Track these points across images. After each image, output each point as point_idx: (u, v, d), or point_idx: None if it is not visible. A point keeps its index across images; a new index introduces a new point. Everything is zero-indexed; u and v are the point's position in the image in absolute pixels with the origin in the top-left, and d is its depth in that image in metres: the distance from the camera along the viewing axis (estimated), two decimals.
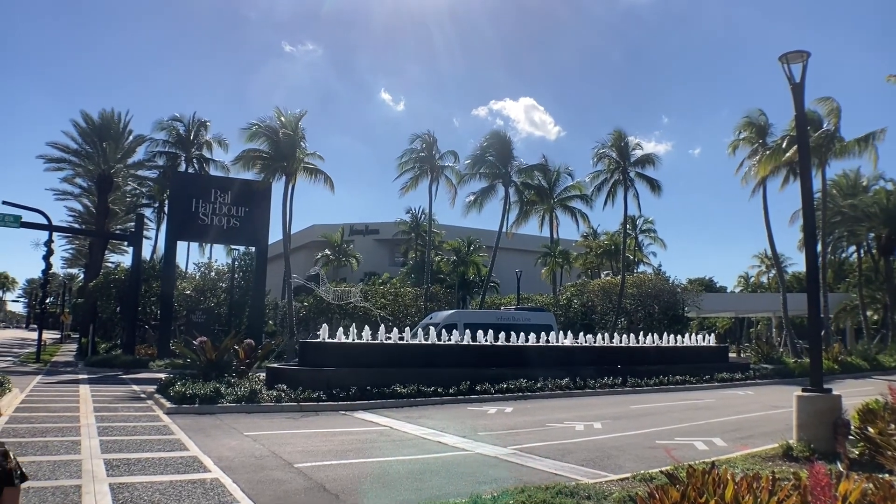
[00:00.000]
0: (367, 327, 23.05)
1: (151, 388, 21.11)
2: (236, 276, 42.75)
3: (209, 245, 63.27)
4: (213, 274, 47.60)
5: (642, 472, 10.32)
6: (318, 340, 21.39)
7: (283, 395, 18.39)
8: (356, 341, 22.09)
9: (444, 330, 25.90)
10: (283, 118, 40.89)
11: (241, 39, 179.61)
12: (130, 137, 50.77)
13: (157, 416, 16.26)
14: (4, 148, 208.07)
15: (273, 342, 30.24)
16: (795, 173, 44.82)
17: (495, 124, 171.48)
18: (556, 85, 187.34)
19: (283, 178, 40.79)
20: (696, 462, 11.15)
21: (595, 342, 29.33)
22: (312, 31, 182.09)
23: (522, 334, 26.76)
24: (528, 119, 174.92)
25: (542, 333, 27.65)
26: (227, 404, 17.37)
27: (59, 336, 79.02)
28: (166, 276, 38.90)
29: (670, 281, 56.33)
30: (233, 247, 43.49)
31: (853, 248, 63.02)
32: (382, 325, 25.02)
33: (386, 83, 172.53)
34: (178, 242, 42.06)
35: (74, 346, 56.09)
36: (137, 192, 55.43)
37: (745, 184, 46.69)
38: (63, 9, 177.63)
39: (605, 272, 71.96)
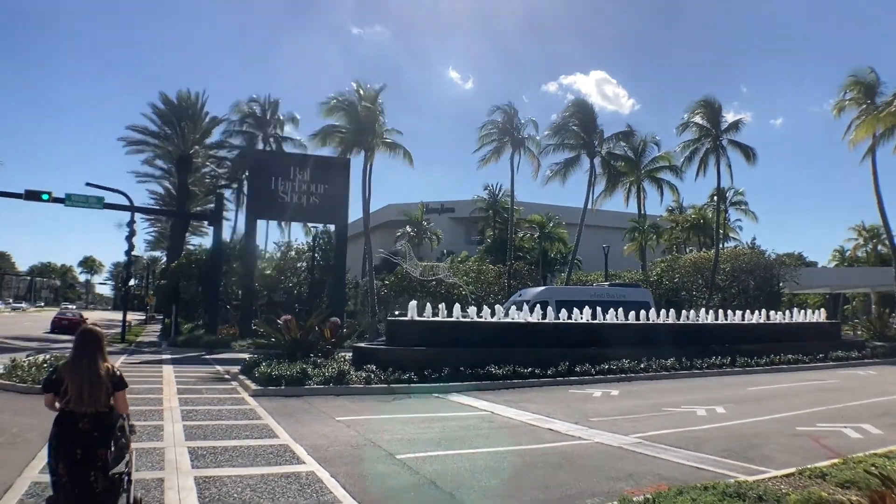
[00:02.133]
0: (457, 305, 21.64)
1: (235, 369, 20.30)
2: (316, 254, 42.08)
3: (288, 224, 63.24)
4: (292, 253, 47.15)
5: (809, 466, 8.66)
6: (406, 318, 20.14)
7: (372, 375, 17.22)
8: (447, 319, 20.76)
9: (535, 307, 24.31)
10: (361, 91, 39.74)
11: (308, 24, 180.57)
12: (207, 118, 50.73)
13: (243, 399, 15.28)
14: (89, 134, 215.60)
15: (356, 321, 29.25)
16: None
17: (566, 99, 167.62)
18: (628, 57, 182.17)
19: (362, 153, 39.72)
20: (864, 453, 9.49)
21: (697, 319, 27.25)
22: (380, 14, 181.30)
23: (618, 311, 24.97)
24: (600, 93, 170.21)
25: (639, 311, 25.82)
26: (315, 386, 16.30)
27: (143, 317, 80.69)
28: (247, 255, 38.45)
29: (766, 255, 52.97)
30: (312, 225, 42.76)
31: None
32: (473, 303, 23.60)
33: (454, 62, 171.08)
34: (258, 221, 41.66)
35: (158, 328, 56.83)
36: (216, 173, 55.38)
37: (854, 147, 43.12)
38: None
39: (689, 248, 68.86)
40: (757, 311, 30.17)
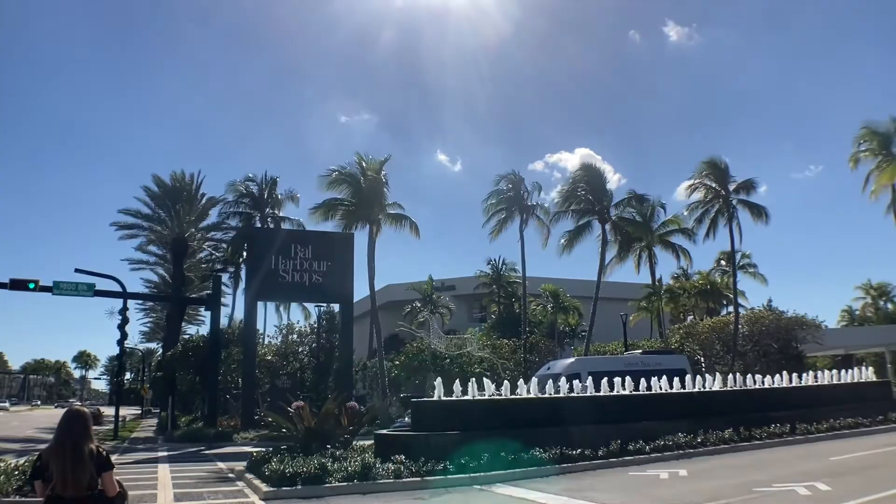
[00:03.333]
0: (487, 381, 19.23)
1: (240, 466, 17.73)
2: (322, 336, 39.73)
3: (287, 307, 60.96)
4: (294, 336, 44.69)
5: None
6: (433, 399, 17.71)
7: (401, 468, 14.72)
8: (480, 397, 18.38)
9: (566, 380, 21.95)
10: (364, 163, 38.16)
11: (297, 113, 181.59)
12: (203, 199, 48.90)
13: None
14: (80, 226, 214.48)
15: (375, 405, 26.75)
16: None
17: (553, 177, 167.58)
18: (609, 133, 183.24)
19: (367, 227, 37.84)
20: None
21: (745, 385, 24.86)
22: (367, 102, 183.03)
23: (659, 380, 22.64)
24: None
25: (676, 378, 23.51)
26: (337, 484, 13.80)
27: (139, 411, 77.46)
28: (247, 340, 36.09)
29: (787, 316, 50.77)
30: (316, 304, 40.53)
31: None
32: (494, 381, 21.18)
33: (441, 146, 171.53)
34: (258, 303, 39.46)
35: (155, 422, 53.85)
36: (212, 257, 53.45)
37: (875, 198, 41.54)
38: (127, 81, 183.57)
39: (696, 315, 66.80)
40: (796, 374, 27.86)
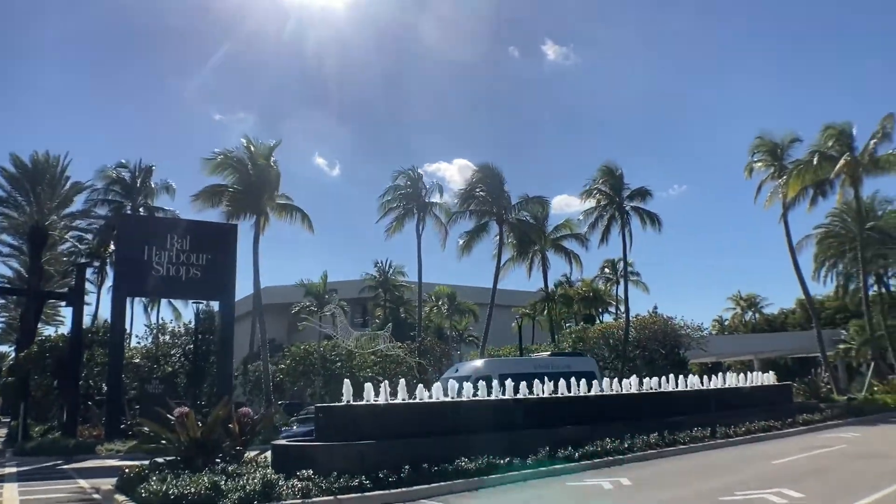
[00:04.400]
0: (402, 384, 17.02)
1: (108, 484, 14.72)
2: (199, 336, 36.21)
3: (156, 305, 56.33)
4: (166, 337, 40.71)
5: None
6: (345, 404, 15.29)
7: (310, 485, 12.33)
8: (396, 401, 16.19)
9: (476, 383, 20.17)
10: (253, 147, 34.93)
11: (169, 109, 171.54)
12: (68, 185, 43.75)
13: None
14: None
15: (273, 412, 24.00)
16: (824, 192, 40.97)
17: (430, 186, 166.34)
18: (487, 146, 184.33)
19: (254, 218, 34.66)
20: None
21: (660, 388, 23.90)
22: (242, 100, 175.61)
23: (567, 382, 21.32)
24: (464, 179, 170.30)
25: (587, 381, 22.31)
26: None
27: None
28: (114, 340, 32.10)
29: (675, 322, 51.35)
30: (194, 302, 36.86)
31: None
32: (420, 382, 19.07)
33: (320, 149, 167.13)
34: (126, 302, 35.56)
35: (4, 432, 48.02)
36: (76, 250, 48.17)
37: (770, 206, 42.41)
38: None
39: (567, 323, 67.26)
40: (707, 377, 27.34)
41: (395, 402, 16.01)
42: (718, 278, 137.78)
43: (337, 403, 16.37)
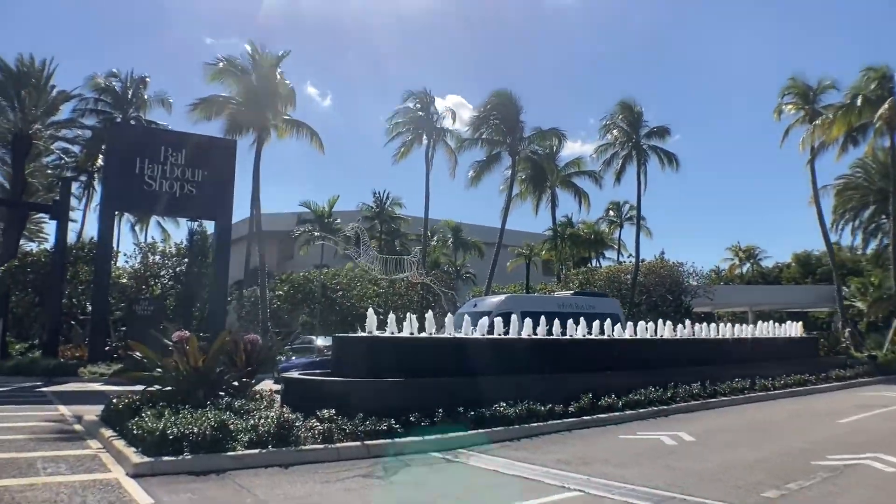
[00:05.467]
0: (410, 318, 15.09)
1: (91, 414, 12.84)
2: (195, 257, 34.07)
3: (144, 227, 53.89)
4: (156, 257, 38.51)
5: None
6: (369, 335, 13.37)
7: (333, 428, 10.46)
8: (429, 335, 14.31)
9: (498, 319, 18.36)
10: (257, 56, 32.09)
11: (160, 30, 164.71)
12: (54, 92, 40.87)
13: (117, 483, 8.17)
14: None
15: (281, 339, 22.07)
16: (855, 141, 38.86)
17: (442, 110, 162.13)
18: (482, 83, 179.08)
19: (254, 135, 32.12)
20: None
21: (694, 334, 22.24)
22: (235, 25, 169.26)
23: (591, 324, 19.61)
24: (458, 118, 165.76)
25: (610, 323, 20.62)
26: (244, 452, 9.38)
27: None
28: (101, 255, 29.89)
29: (684, 269, 49.79)
30: (189, 219, 34.64)
31: None
32: (443, 312, 17.19)
33: (312, 78, 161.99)
34: (116, 218, 33.34)
35: None
36: (62, 162, 45.56)
37: (804, 150, 40.16)
38: None
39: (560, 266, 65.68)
40: (738, 325, 25.67)
41: (423, 335, 14.12)
42: (714, 227, 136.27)
43: (358, 334, 14.49)
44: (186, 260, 36.16)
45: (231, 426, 9.77)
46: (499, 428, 12.05)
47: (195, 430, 9.25)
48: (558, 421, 13.14)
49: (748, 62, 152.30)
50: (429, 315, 14.80)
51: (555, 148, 46.42)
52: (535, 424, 12.67)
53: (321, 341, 27.29)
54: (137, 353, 12.85)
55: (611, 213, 74.41)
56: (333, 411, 10.89)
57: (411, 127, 39.36)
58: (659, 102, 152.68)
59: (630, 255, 66.47)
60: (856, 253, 62.24)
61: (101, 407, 12.52)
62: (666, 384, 16.76)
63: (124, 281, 36.94)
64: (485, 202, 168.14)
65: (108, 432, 10.72)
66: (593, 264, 62.14)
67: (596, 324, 18.59)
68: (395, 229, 65.70)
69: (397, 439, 10.71)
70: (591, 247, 69.04)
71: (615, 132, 45.51)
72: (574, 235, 56.98)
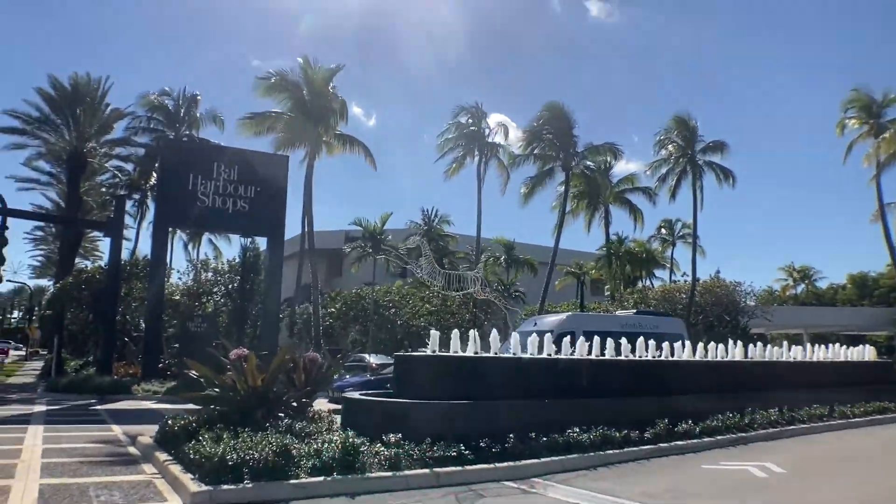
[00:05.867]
0: (492, 335, 14.49)
1: (146, 435, 12.39)
2: (241, 275, 33.91)
3: (197, 244, 54.30)
4: (209, 274, 38.55)
5: None
6: (435, 354, 12.71)
7: (400, 453, 9.80)
8: (498, 355, 13.64)
9: (559, 339, 17.55)
10: (310, 70, 31.90)
11: (206, 53, 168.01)
12: (108, 111, 41.42)
13: None
14: None
15: (339, 357, 21.55)
16: None
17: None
18: (524, 101, 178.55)
19: (307, 150, 31.87)
20: None
21: (765, 357, 21.05)
22: (281, 47, 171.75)
23: (654, 345, 18.69)
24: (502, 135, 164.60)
25: (677, 344, 19.64)
26: (307, 479, 8.78)
27: (24, 352, 69.31)
28: (155, 273, 29.89)
29: (741, 289, 48.20)
30: (241, 236, 34.58)
31: None
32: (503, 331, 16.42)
33: (357, 99, 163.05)
34: (170, 232, 33.34)
35: (40, 365, 46.86)
36: (116, 180, 46.13)
37: (868, 165, 38.64)
38: None
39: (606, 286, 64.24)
40: (800, 348, 24.39)
41: (490, 355, 13.41)
42: (764, 247, 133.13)
43: (422, 352, 13.84)
44: (239, 277, 36.01)
45: (293, 451, 9.16)
46: (573, 455, 11.26)
47: (256, 455, 8.66)
48: (635, 448, 12.29)
49: (800, 76, 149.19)
50: (494, 333, 14.11)
51: (609, 163, 45.48)
52: (612, 452, 11.84)
53: (374, 359, 26.74)
54: (193, 372, 12.37)
55: (663, 230, 73.10)
56: (400, 436, 10.23)
57: (463, 142, 38.85)
58: (704, 119, 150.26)
59: (684, 273, 64.99)
60: None
61: (155, 427, 12.07)
62: (742, 409, 15.78)
63: (177, 298, 36.99)
64: (532, 220, 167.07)
65: (163, 456, 10.22)
66: (644, 283, 60.88)
67: (665, 345, 17.68)
68: (442, 247, 65.24)
69: (468, 466, 10.00)
70: (643, 265, 67.63)
71: (670, 147, 44.52)
72: (629, 253, 55.73)
